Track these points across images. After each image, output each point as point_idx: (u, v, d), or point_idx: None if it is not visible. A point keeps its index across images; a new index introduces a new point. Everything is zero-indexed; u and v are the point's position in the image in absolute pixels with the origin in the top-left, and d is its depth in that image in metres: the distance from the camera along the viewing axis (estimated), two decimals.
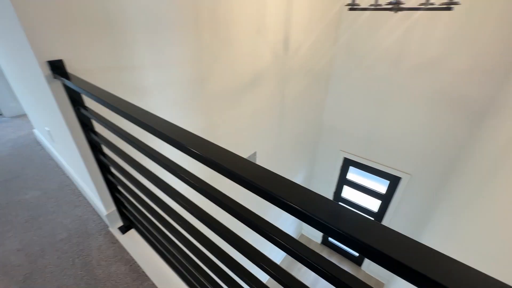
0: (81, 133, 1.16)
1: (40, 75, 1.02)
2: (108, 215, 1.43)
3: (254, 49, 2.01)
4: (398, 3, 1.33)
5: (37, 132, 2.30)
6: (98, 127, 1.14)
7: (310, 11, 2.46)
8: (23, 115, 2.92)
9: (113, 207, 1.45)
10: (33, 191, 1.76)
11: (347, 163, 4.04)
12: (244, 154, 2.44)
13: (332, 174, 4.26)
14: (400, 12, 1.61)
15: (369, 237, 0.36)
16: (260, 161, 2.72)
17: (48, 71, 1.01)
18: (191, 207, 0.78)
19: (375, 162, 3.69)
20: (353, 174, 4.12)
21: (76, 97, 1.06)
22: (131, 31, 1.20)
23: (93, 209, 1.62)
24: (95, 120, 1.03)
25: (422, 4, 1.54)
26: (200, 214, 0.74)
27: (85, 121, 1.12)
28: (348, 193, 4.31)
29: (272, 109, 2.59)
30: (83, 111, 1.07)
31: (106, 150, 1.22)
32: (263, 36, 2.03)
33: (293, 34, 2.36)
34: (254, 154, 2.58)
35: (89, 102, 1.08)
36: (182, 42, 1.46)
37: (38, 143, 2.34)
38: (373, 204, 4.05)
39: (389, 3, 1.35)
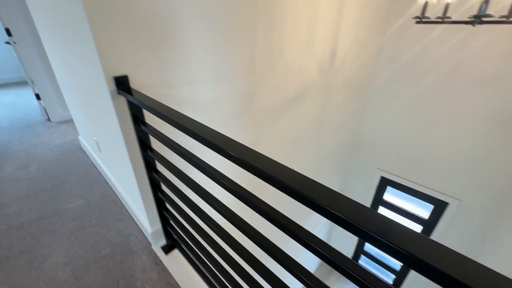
0: (136, 149, 1.12)
1: (105, 90, 0.99)
2: (152, 233, 1.37)
3: (302, 62, 1.92)
4: (486, 15, 1.17)
5: (82, 139, 2.37)
6: (153, 144, 1.10)
7: (358, 21, 2.34)
8: (68, 121, 3.05)
9: (157, 225, 1.39)
10: (77, 200, 1.77)
11: (384, 183, 3.76)
12: None
13: (366, 193, 3.99)
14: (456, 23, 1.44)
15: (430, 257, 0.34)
16: None
17: (113, 86, 0.98)
18: (240, 223, 0.74)
19: (417, 183, 3.39)
20: (390, 195, 3.83)
21: (138, 113, 1.02)
22: (191, 46, 1.16)
23: (135, 223, 1.58)
24: (154, 136, 0.99)
25: (503, 16, 1.36)
26: (248, 230, 0.72)
27: (144, 138, 1.07)
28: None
29: (313, 123, 2.47)
30: (143, 127, 1.02)
31: (159, 167, 1.17)
32: (312, 49, 1.94)
33: (340, 46, 2.24)
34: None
35: (147, 119, 1.04)
36: (238, 55, 1.40)
37: (82, 150, 2.40)
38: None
39: (475, 16, 1.19)
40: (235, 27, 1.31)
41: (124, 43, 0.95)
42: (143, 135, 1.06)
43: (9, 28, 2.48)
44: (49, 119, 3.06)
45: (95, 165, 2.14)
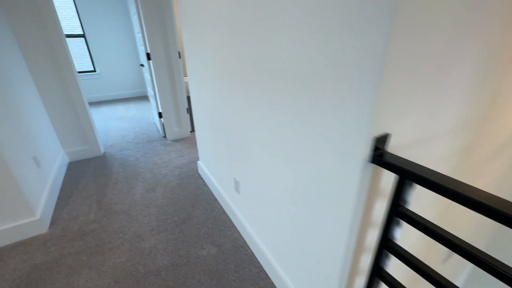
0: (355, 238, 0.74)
1: (358, 154, 0.64)
2: None
3: None
4: None
5: (201, 164, 2.26)
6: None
7: None
8: (181, 140, 3.11)
9: None
10: (208, 246, 1.54)
11: None
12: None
13: None
14: None
15: None
16: None
17: (368, 150, 0.63)
18: None
19: None
20: None
21: (400, 193, 0.64)
22: (448, 87, 0.74)
23: None
24: (417, 228, 0.59)
25: None
26: None
27: (390, 235, 0.68)
28: None
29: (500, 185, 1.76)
30: (401, 212, 0.63)
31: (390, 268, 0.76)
32: None
33: None
34: None
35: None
36: (479, 97, 0.93)
37: (200, 176, 2.29)
38: None
39: None
40: (465, 65, 0.85)
41: (398, 92, 0.60)
42: (393, 224, 0.67)
43: (150, 53, 2.66)
44: (165, 136, 3.18)
45: (217, 198, 1.96)
